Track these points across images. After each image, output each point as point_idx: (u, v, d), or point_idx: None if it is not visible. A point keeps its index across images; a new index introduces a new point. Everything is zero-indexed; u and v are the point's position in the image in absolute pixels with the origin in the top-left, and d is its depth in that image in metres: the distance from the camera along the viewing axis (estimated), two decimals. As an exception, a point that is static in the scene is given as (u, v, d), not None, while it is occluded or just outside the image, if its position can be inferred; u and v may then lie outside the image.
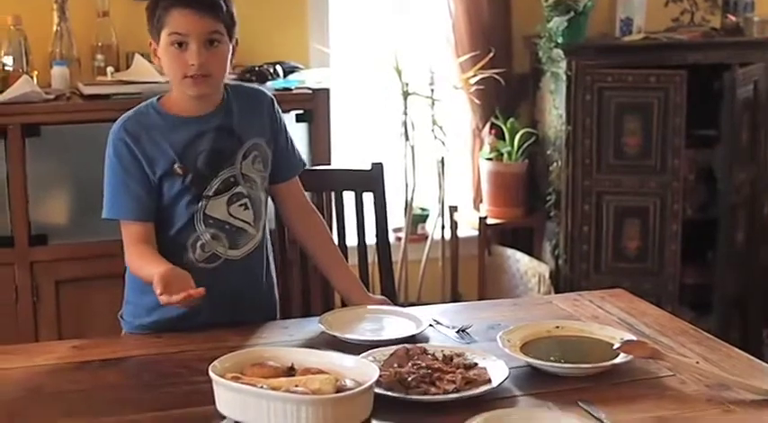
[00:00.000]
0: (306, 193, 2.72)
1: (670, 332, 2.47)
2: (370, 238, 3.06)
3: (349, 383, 1.94)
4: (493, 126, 4.46)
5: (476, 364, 2.16)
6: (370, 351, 2.21)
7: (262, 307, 2.60)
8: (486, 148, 4.45)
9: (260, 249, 2.56)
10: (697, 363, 2.20)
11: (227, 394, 1.92)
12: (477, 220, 4.46)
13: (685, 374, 2.17)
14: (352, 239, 3.48)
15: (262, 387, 1.90)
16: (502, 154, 4.43)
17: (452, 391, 2.03)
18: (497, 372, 2.12)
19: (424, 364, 2.12)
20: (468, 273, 4.54)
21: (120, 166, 2.44)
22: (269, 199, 2.61)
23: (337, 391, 1.90)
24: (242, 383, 1.91)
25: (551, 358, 2.20)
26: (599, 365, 2.17)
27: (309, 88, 3.71)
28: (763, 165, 4.55)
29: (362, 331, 2.42)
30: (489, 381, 2.08)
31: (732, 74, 4.27)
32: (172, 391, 2.10)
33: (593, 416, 1.95)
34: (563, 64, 4.21)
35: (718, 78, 4.33)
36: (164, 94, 2.53)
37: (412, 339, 2.36)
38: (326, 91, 3.69)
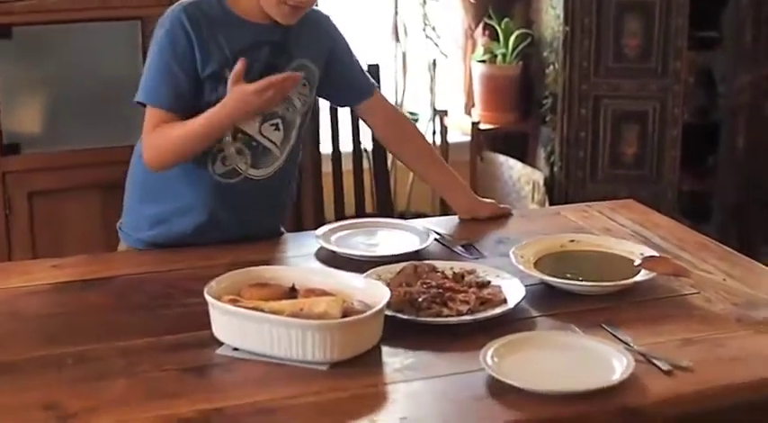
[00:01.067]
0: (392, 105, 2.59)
1: (689, 246, 2.35)
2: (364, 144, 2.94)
3: (357, 305, 1.81)
4: (486, 26, 4.28)
5: (489, 282, 2.04)
6: (374, 269, 2.07)
7: (273, 229, 2.46)
8: (480, 49, 4.27)
9: (282, 173, 2.39)
10: (724, 280, 2.09)
11: (224, 318, 1.79)
12: (469, 125, 4.31)
13: (710, 292, 2.06)
14: (346, 146, 3.36)
15: (263, 311, 1.77)
16: (495, 56, 4.26)
17: (466, 313, 1.91)
18: (513, 291, 1.99)
19: (434, 284, 1.99)
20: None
21: (173, 52, 2.23)
22: (304, 124, 2.44)
23: (345, 315, 1.77)
24: (240, 307, 1.78)
25: (568, 275, 2.08)
26: (621, 283, 2.04)
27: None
28: (765, 67, 4.40)
29: (363, 246, 2.29)
30: (505, 301, 1.96)
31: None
32: (163, 314, 1.96)
33: (619, 340, 1.82)
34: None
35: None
36: None
37: (416, 255, 2.23)
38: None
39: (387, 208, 3.48)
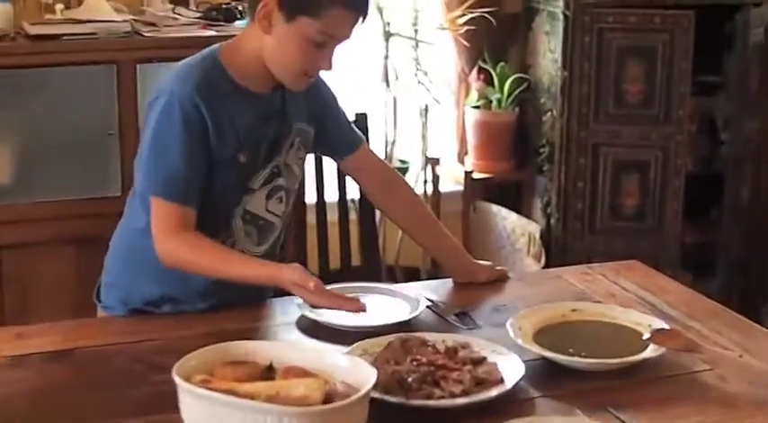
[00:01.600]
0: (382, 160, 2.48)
1: (699, 314, 2.21)
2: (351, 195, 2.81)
3: (340, 387, 1.66)
4: (481, 71, 4.15)
5: (484, 358, 1.89)
6: (360, 342, 1.93)
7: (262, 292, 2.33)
8: (474, 94, 4.14)
9: (278, 240, 2.28)
10: (740, 356, 1.94)
11: (193, 402, 1.63)
12: (462, 174, 4.17)
13: (725, 369, 1.92)
14: (332, 195, 3.21)
15: (236, 394, 1.62)
16: (490, 102, 4.13)
17: (460, 394, 1.76)
18: (510, 368, 1.85)
19: (425, 360, 1.84)
20: (451, 231, 4.24)
21: (189, 137, 2.06)
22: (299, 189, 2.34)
23: (326, 398, 1.62)
24: (211, 389, 1.62)
25: (571, 351, 1.93)
26: (628, 360, 1.90)
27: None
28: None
29: (348, 314, 2.14)
30: (502, 380, 1.81)
31: (745, 15, 3.98)
32: (128, 394, 1.81)
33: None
34: (560, 2, 3.90)
35: (728, 20, 4.04)
36: (222, 48, 2.17)
37: (407, 325, 2.09)
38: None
39: (374, 261, 3.33)
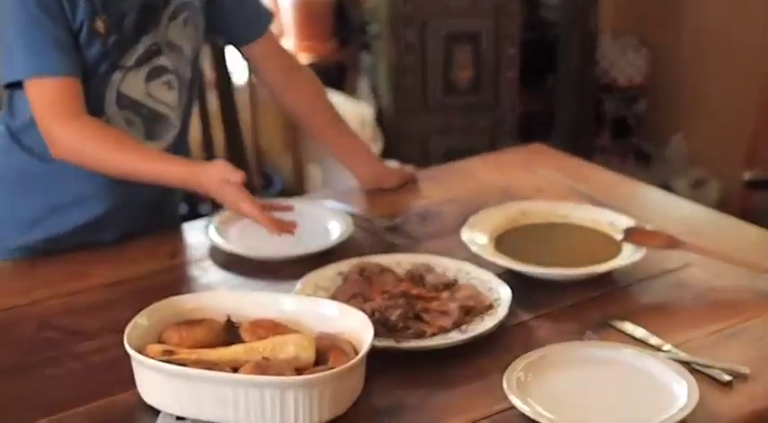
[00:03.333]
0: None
1: (646, 204, 2.09)
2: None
3: (323, 339, 1.44)
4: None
5: (455, 281, 1.69)
6: (307, 277, 1.69)
7: (173, 214, 2.04)
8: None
9: (181, 143, 1.98)
10: (718, 246, 1.80)
11: (162, 381, 1.37)
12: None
13: (704, 263, 1.79)
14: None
15: (214, 364, 1.36)
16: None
17: (452, 328, 1.56)
18: (491, 290, 1.66)
19: (397, 292, 1.62)
20: (272, 120, 4.00)
21: (39, 6, 1.75)
22: (197, 79, 2.01)
23: (318, 355, 1.40)
24: (182, 363, 1.36)
25: (546, 262, 1.76)
26: (618, 266, 1.74)
27: None
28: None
29: (269, 241, 1.88)
30: (491, 306, 1.62)
31: None
32: (54, 377, 1.51)
33: (644, 343, 1.54)
34: None
35: None
36: None
37: (344, 248, 1.85)
38: None
39: (238, 147, 3.02)
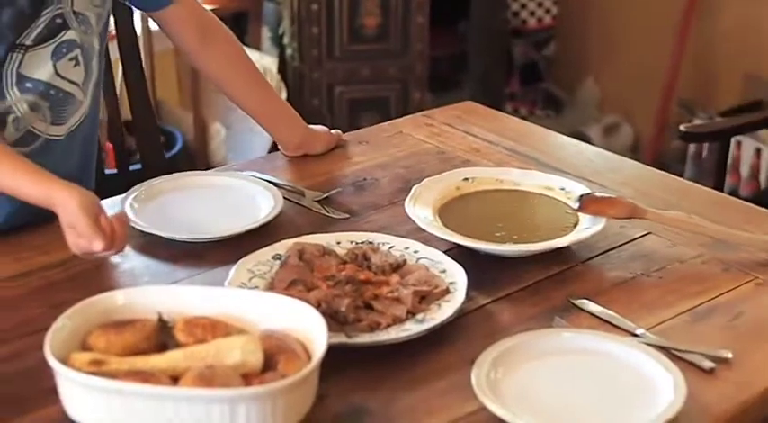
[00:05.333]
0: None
1: (593, 165, 1.99)
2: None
3: (268, 339, 1.31)
4: None
5: (404, 261, 1.57)
6: (240, 262, 1.55)
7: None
8: None
9: (90, 122, 1.81)
10: (690, 217, 1.70)
11: (92, 396, 1.22)
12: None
13: (664, 231, 1.70)
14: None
15: (151, 376, 1.22)
16: None
17: (407, 318, 1.44)
18: (443, 270, 1.54)
19: (341, 277, 1.50)
20: (167, 73, 3.82)
21: None
22: (104, 49, 1.83)
23: (265, 358, 1.26)
24: (108, 375, 1.22)
25: (498, 235, 1.65)
26: (575, 240, 1.63)
27: None
28: None
29: (193, 219, 1.74)
30: (447, 290, 1.50)
31: None
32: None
33: (618, 327, 1.45)
34: None
35: None
36: None
37: (274, 226, 1.72)
38: None
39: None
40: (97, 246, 1.47)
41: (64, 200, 1.49)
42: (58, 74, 1.70)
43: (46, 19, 1.67)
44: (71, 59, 1.71)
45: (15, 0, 1.63)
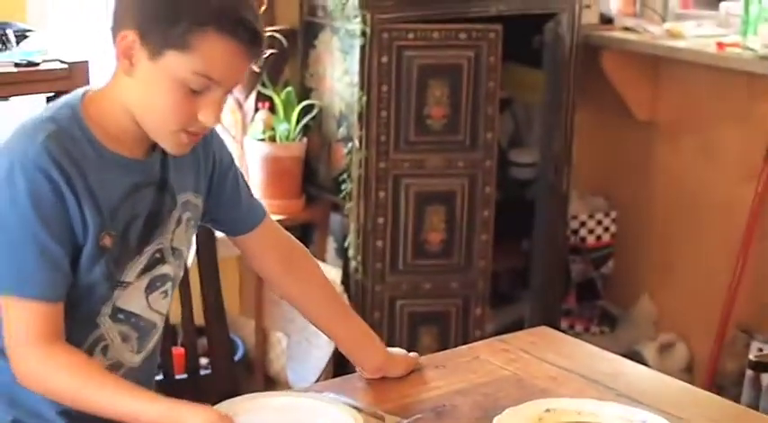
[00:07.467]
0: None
1: (670, 398, 2.01)
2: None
3: None
4: (260, 97, 3.77)
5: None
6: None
7: None
8: (259, 126, 3.75)
9: (158, 343, 1.89)
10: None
11: None
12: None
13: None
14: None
15: None
16: (274, 133, 3.75)
17: None
18: None
19: None
20: (231, 281, 3.88)
21: (37, 216, 1.63)
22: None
23: None
24: None
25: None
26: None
27: (63, 61, 2.87)
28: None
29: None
30: None
31: (556, 25, 3.86)
32: None
33: None
34: (356, 18, 3.58)
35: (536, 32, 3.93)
36: (85, 96, 1.74)
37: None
38: (85, 64, 2.87)
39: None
40: None
41: (194, 414, 1.57)
42: (149, 306, 1.77)
43: (147, 255, 1.75)
44: (162, 293, 1.79)
45: (127, 238, 1.70)
